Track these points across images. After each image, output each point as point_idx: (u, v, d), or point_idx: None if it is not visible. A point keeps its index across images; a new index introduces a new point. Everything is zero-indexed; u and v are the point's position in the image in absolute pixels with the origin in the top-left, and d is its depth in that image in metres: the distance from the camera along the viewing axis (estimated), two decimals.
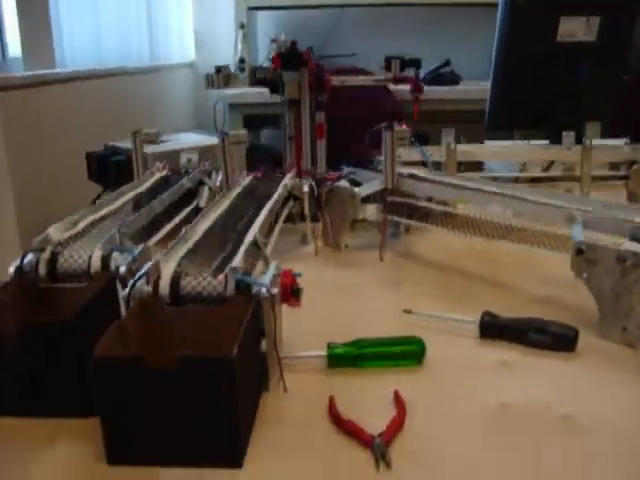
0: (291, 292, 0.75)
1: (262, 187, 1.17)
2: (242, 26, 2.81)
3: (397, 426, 0.68)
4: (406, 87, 1.45)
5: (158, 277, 0.75)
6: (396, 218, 1.17)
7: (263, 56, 2.99)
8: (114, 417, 0.63)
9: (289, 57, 1.32)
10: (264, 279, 0.74)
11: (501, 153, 1.36)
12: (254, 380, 0.73)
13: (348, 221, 1.20)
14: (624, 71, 1.78)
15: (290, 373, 0.77)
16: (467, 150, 1.34)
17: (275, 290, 0.74)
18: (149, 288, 0.74)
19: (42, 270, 0.82)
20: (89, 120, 2.10)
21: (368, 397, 0.75)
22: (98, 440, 0.64)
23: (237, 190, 1.13)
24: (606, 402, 0.73)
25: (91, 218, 0.97)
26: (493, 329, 0.86)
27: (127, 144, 1.47)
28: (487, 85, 1.76)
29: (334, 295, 1.03)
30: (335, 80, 1.39)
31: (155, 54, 2.78)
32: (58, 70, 1.98)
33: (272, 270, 0.77)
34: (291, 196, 1.20)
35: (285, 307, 0.79)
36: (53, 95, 1.96)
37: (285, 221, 1.21)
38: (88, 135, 1.96)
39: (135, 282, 0.74)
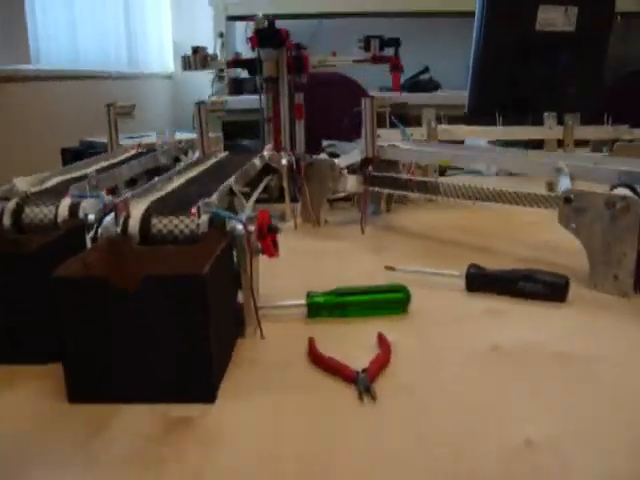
0: (268, 230, 0.71)
1: (239, 159, 1.13)
2: (221, 35, 2.80)
3: (382, 362, 0.63)
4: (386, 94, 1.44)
5: (127, 216, 0.71)
6: (377, 189, 1.14)
7: None
8: (75, 348, 0.58)
9: (267, 34, 1.29)
10: (240, 216, 0.70)
11: (482, 132, 1.34)
12: (228, 320, 0.69)
13: (328, 194, 1.16)
14: (603, 62, 1.79)
15: (268, 322, 0.73)
16: (448, 129, 1.32)
17: (251, 227, 0.70)
18: (117, 228, 0.70)
19: (7, 221, 0.78)
20: (65, 119, 2.06)
21: (350, 343, 0.70)
22: (59, 383, 0.59)
23: (214, 160, 1.09)
24: (600, 342, 0.70)
25: (60, 178, 0.93)
26: (480, 281, 0.83)
27: (103, 139, 1.44)
28: (466, 93, 1.76)
29: (313, 259, 1.00)
30: (314, 61, 1.37)
31: (133, 62, 2.75)
32: (29, 67, 1.94)
33: (248, 211, 0.73)
34: (269, 169, 1.17)
35: (262, 264, 0.74)
36: (30, 91, 1.93)
37: (263, 200, 1.17)
38: (64, 133, 1.91)
39: (102, 219, 0.69)
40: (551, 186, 1.37)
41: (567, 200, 0.83)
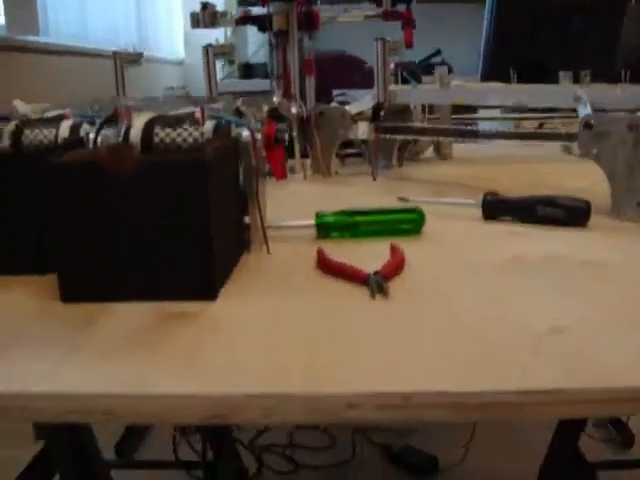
0: (275, 140, 0.68)
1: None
2: None
3: (395, 265, 0.60)
4: None
5: (129, 125, 0.68)
6: (389, 136, 1.10)
7: (252, 51, 2.97)
8: (68, 242, 0.55)
9: None
10: (246, 122, 0.67)
11: (496, 88, 1.31)
12: (231, 232, 0.66)
13: (339, 142, 1.13)
14: (618, 35, 1.75)
15: (275, 243, 0.69)
16: (461, 84, 1.28)
17: (258, 135, 0.67)
18: (119, 138, 0.67)
19: (5, 141, 0.75)
20: (72, 94, 2.05)
21: (362, 258, 0.66)
22: (56, 289, 0.56)
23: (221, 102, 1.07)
24: (625, 255, 0.66)
25: (61, 110, 0.91)
26: (497, 207, 0.79)
27: None
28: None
29: (322, 201, 0.96)
30: (325, 17, 1.34)
31: (143, 44, 2.74)
32: (39, 38, 1.93)
33: (254, 122, 0.70)
34: (278, 118, 1.14)
35: (269, 202, 0.71)
36: (34, 63, 1.92)
37: None
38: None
39: (102, 125, 0.66)
40: (568, 150, 1.33)
41: (587, 125, 0.80)
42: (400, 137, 1.11)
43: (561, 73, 1.36)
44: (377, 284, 0.55)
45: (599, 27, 1.72)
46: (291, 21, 1.28)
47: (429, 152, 1.36)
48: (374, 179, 1.09)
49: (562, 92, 0.88)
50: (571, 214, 0.76)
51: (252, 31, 3.33)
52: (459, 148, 1.35)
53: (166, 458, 1.42)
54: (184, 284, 0.54)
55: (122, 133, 0.67)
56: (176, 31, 3.17)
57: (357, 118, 1.11)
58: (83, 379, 0.42)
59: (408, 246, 0.68)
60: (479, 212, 0.80)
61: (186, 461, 1.38)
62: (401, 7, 1.36)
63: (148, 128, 0.67)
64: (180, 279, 0.54)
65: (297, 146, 1.16)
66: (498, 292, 0.56)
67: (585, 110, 0.83)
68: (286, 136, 0.69)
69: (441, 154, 1.32)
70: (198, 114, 0.66)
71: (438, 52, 2.83)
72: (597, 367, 0.41)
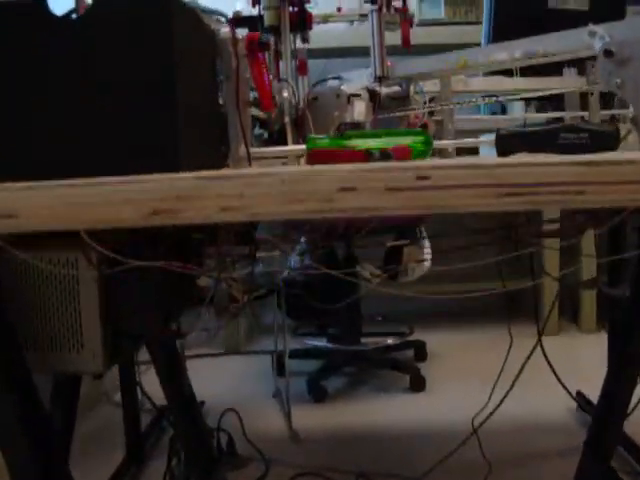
0: (258, 44, 0.60)
1: None
2: None
3: (401, 147, 0.50)
4: None
5: None
6: (388, 114, 1.03)
7: None
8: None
9: None
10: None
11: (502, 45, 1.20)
12: (207, 130, 0.56)
13: (335, 125, 1.05)
14: None
15: (257, 163, 0.60)
16: (462, 79, 1.22)
17: (239, 36, 0.59)
18: None
19: None
20: None
21: None
22: None
23: None
24: None
25: None
26: (513, 141, 0.70)
27: None
28: None
29: None
30: (317, 17, 1.30)
31: None
32: None
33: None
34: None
35: None
36: None
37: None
38: None
39: None
40: None
41: (608, 53, 0.72)
42: (399, 114, 1.04)
43: (565, 68, 1.30)
44: (380, 153, 0.45)
45: None
46: (283, 20, 1.23)
47: None
48: None
49: (574, 34, 0.81)
50: (598, 139, 0.66)
51: None
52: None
53: None
54: (143, 157, 0.44)
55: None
56: None
57: (353, 99, 1.04)
58: None
59: None
60: (493, 152, 0.71)
61: None
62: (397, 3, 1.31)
63: None
64: (139, 151, 0.44)
65: (290, 135, 1.08)
66: None
67: (603, 41, 0.75)
68: (271, 39, 0.61)
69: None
70: None
71: None
72: None
